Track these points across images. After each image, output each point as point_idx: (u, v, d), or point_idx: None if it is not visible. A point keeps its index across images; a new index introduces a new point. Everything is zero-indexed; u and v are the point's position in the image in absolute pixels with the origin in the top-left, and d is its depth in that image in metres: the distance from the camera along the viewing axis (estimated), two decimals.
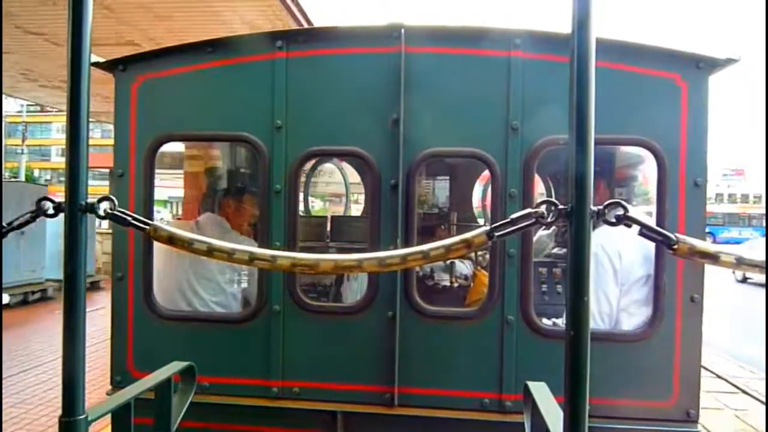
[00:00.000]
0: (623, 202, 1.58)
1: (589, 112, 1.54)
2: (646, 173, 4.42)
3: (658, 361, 3.31)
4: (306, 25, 9.05)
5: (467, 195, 7.73)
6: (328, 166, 8.98)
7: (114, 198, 1.79)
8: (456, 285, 5.67)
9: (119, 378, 3.58)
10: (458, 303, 5.21)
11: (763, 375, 9.39)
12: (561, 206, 1.60)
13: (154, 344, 3.58)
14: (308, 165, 7.75)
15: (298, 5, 8.20)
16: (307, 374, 3.49)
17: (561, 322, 3.75)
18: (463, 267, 6.02)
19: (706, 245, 1.51)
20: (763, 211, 52.58)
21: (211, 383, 3.43)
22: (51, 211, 1.76)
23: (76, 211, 1.72)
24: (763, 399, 8.42)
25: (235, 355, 3.57)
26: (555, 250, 5.87)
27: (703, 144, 3.30)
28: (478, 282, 5.53)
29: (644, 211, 4.25)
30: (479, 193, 8.20)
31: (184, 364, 2.58)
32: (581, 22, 1.55)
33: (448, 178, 7.67)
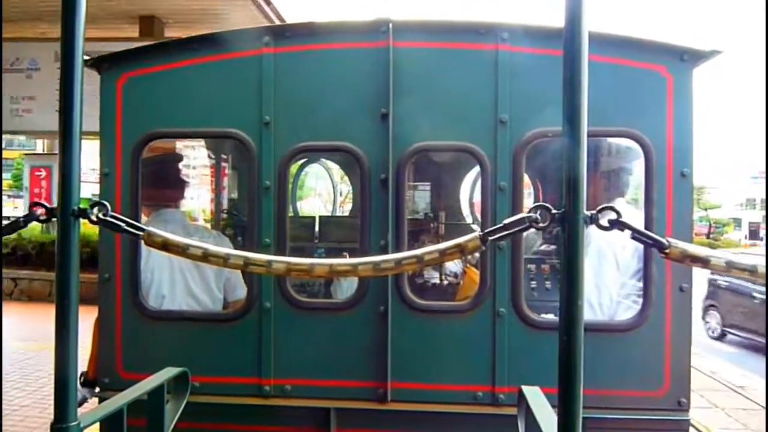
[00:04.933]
0: (615, 207, 1.60)
1: (582, 115, 1.55)
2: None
3: (649, 350, 3.33)
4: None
5: (455, 192, 7.74)
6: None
7: (107, 203, 1.78)
8: (446, 283, 5.69)
9: (107, 380, 3.55)
10: (449, 301, 5.22)
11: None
12: (554, 211, 1.62)
13: (143, 345, 3.55)
14: (296, 165, 7.74)
15: (278, 15, 8.15)
16: (299, 372, 3.48)
17: (550, 317, 3.79)
18: (452, 264, 6.05)
19: (697, 249, 1.53)
20: None
21: (201, 383, 3.41)
22: (43, 217, 1.75)
23: (68, 216, 1.71)
24: (762, 403, 8.43)
25: (226, 353, 3.54)
26: (543, 247, 5.92)
27: (689, 135, 3.33)
28: (468, 279, 5.55)
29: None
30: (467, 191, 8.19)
31: (178, 369, 2.56)
32: (574, 19, 1.56)
33: (434, 176, 7.66)
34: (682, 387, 3.32)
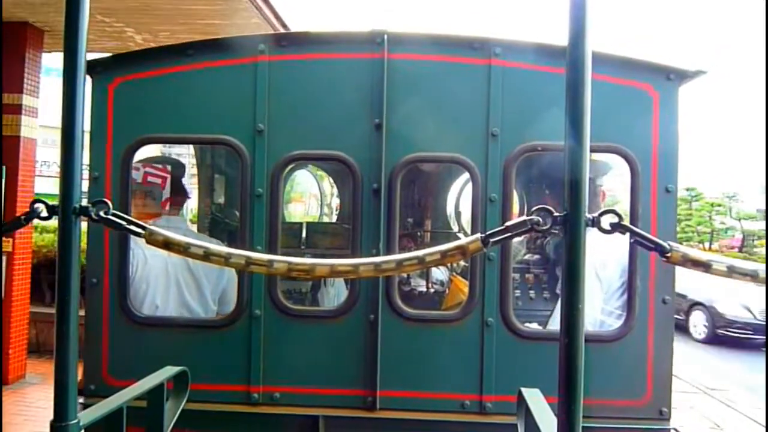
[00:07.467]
0: (617, 210, 1.63)
1: (585, 121, 1.58)
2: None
3: (632, 361, 3.39)
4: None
5: (441, 202, 7.79)
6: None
7: (108, 201, 1.77)
8: (432, 291, 5.71)
9: (93, 387, 3.49)
10: (435, 308, 5.24)
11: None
12: (556, 213, 1.64)
13: (130, 351, 3.50)
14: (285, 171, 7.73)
15: (283, 24, 8.13)
16: (288, 379, 3.47)
17: (534, 327, 3.83)
18: (439, 273, 6.07)
19: (698, 253, 1.56)
20: None
21: (189, 390, 3.39)
22: (44, 214, 1.74)
23: (69, 214, 1.70)
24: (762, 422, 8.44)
25: (215, 360, 3.51)
26: (527, 257, 5.97)
27: (675, 152, 3.42)
28: (454, 287, 5.58)
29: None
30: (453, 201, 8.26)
31: (177, 368, 2.54)
32: (577, 34, 1.60)
33: (422, 186, 7.72)
34: (663, 396, 3.39)
